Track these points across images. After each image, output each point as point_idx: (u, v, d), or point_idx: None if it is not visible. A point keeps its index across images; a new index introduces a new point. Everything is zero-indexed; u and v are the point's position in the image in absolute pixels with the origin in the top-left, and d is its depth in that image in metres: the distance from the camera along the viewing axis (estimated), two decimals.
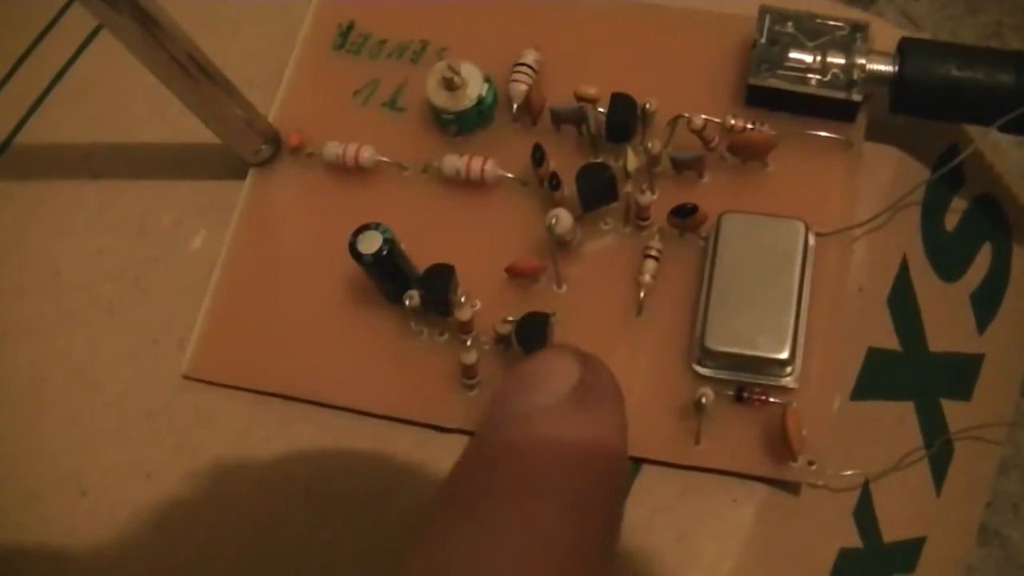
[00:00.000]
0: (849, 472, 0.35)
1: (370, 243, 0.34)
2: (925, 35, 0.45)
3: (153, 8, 0.34)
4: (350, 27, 0.42)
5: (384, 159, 0.39)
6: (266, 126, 0.40)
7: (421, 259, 0.36)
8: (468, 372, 0.35)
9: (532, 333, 0.34)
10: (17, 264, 0.42)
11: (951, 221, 0.41)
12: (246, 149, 0.39)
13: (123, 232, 0.41)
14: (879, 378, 0.37)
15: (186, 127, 0.39)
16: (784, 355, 0.34)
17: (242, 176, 0.40)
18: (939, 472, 0.39)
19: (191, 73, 0.36)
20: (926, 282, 0.39)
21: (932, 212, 0.40)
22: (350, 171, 0.39)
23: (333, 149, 0.39)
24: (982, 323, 0.41)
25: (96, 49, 0.45)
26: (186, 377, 0.38)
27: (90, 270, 0.41)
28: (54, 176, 0.43)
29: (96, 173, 0.43)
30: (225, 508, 0.37)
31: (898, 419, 0.38)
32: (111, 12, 0.33)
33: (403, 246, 0.36)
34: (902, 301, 0.38)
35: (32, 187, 0.43)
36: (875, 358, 0.37)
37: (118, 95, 0.44)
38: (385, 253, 0.34)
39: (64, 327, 0.40)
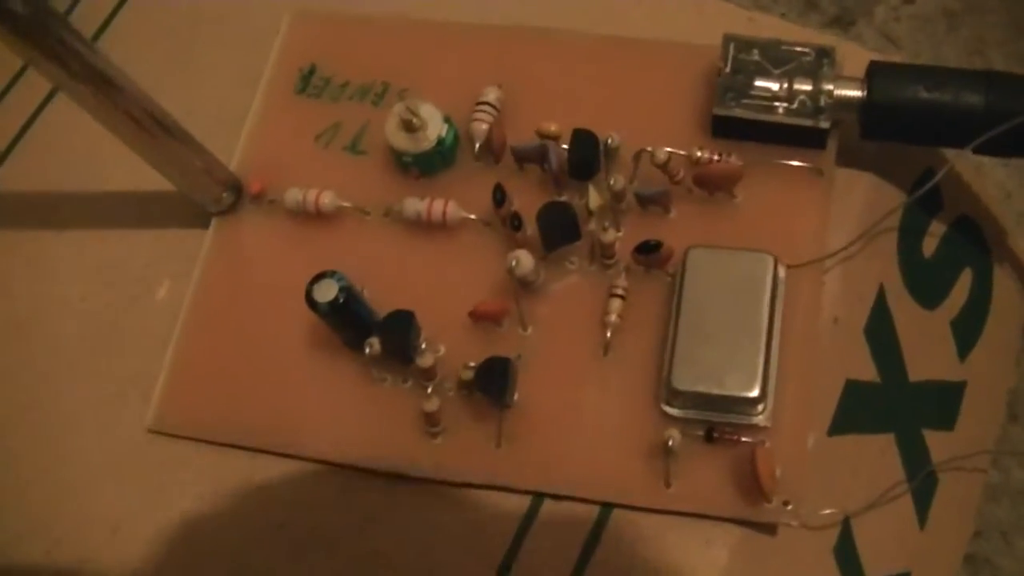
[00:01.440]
0: (828, 511, 0.34)
1: (325, 291, 0.34)
2: (906, 56, 0.45)
3: (106, 68, 0.34)
4: (312, 71, 0.42)
5: (346, 204, 0.38)
6: (227, 175, 0.39)
7: (384, 304, 0.35)
8: (431, 420, 0.34)
9: (492, 379, 0.33)
10: None
11: (929, 246, 0.40)
12: (207, 198, 0.39)
13: (89, 283, 0.41)
14: (858, 411, 0.36)
15: (150, 176, 0.38)
16: (754, 393, 0.33)
17: (205, 224, 0.40)
18: (923, 504, 0.38)
19: (147, 128, 0.36)
20: (905, 310, 0.39)
21: (909, 238, 0.39)
22: (312, 217, 0.38)
23: (294, 195, 0.38)
24: (963, 350, 0.41)
25: (61, 100, 0.45)
26: (151, 431, 0.38)
27: (56, 321, 0.41)
28: (22, 227, 0.43)
29: (63, 224, 0.42)
30: (194, 557, 0.36)
31: (879, 452, 0.37)
32: (64, 75, 0.33)
33: (365, 292, 0.35)
34: (880, 331, 0.38)
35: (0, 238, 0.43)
36: (853, 390, 0.36)
37: (84, 145, 0.43)
38: (341, 301, 0.34)
39: (30, 379, 0.40)
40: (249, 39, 0.44)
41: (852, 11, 0.52)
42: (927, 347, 0.39)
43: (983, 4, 0.52)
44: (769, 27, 0.39)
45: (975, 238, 0.41)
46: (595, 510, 0.34)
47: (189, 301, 0.39)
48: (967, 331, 0.41)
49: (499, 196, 0.35)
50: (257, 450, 0.37)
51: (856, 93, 0.36)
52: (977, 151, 0.35)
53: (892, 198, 0.38)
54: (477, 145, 0.38)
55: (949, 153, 0.38)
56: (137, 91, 0.35)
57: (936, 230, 0.40)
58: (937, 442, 0.39)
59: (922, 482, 0.38)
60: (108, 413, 0.38)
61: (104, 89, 0.34)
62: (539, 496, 0.34)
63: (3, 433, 0.39)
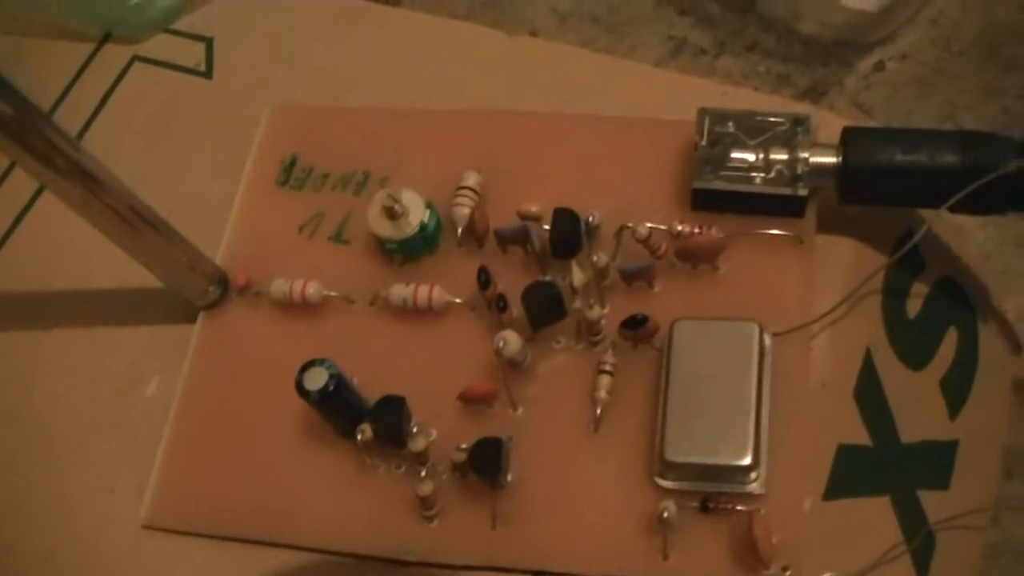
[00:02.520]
0: (827, 575, 0.34)
1: (316, 379, 0.34)
2: (879, 123, 0.45)
3: (90, 164, 0.34)
4: (293, 162, 0.42)
5: (331, 293, 0.39)
6: (212, 268, 0.39)
7: (375, 390, 0.35)
8: (426, 503, 0.34)
9: (485, 460, 0.33)
10: None
11: (914, 307, 0.40)
12: (193, 292, 0.39)
13: (78, 382, 0.41)
14: (852, 475, 0.36)
15: (136, 272, 0.39)
16: (747, 461, 0.33)
17: (192, 319, 0.40)
18: (923, 565, 0.38)
19: (132, 223, 0.36)
20: (893, 372, 0.39)
21: (893, 300, 0.39)
22: (298, 307, 0.39)
23: (280, 287, 0.39)
24: (954, 409, 0.41)
25: (48, 199, 0.45)
26: (145, 527, 0.37)
27: (47, 418, 0.41)
28: (12, 326, 0.43)
29: (53, 322, 0.43)
30: None
31: (875, 515, 0.37)
32: (50, 173, 0.34)
33: (354, 379, 0.35)
34: (869, 393, 0.38)
35: None
36: (846, 454, 0.36)
37: (71, 243, 0.44)
38: (331, 388, 0.34)
39: (22, 480, 0.40)
40: (229, 133, 0.44)
41: (824, 82, 0.52)
42: (917, 408, 0.39)
43: (952, 69, 0.52)
44: (744, 101, 0.39)
45: (958, 298, 0.41)
46: None
47: (179, 395, 0.39)
48: (956, 390, 0.41)
49: (484, 278, 0.36)
50: (254, 541, 0.36)
51: (832, 159, 0.36)
52: (954, 210, 0.35)
53: (874, 261, 0.38)
54: (460, 229, 0.38)
55: (927, 214, 0.38)
56: (121, 187, 0.35)
57: (919, 291, 0.40)
58: (933, 502, 0.39)
59: (920, 543, 0.37)
60: (101, 510, 0.38)
61: (89, 186, 0.34)
62: (538, 575, 0.34)
63: None
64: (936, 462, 0.40)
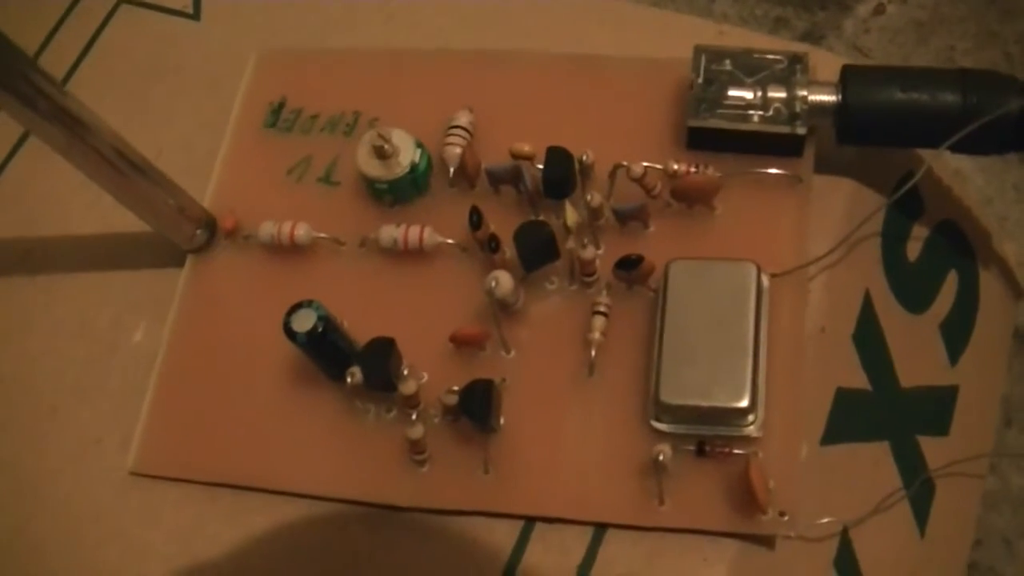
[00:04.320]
0: (825, 520, 0.34)
1: (304, 321, 0.33)
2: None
3: (76, 108, 0.34)
4: (281, 104, 0.41)
5: (321, 235, 0.38)
6: (200, 212, 0.39)
7: (364, 333, 0.35)
8: (416, 447, 0.34)
9: (476, 402, 0.33)
10: None
11: (913, 250, 0.39)
12: (181, 236, 0.38)
13: (63, 332, 0.40)
14: (850, 419, 0.36)
15: (122, 218, 0.38)
16: (743, 404, 0.32)
17: (180, 264, 0.40)
18: (921, 512, 0.38)
19: (119, 168, 0.36)
20: (892, 315, 0.38)
21: (892, 242, 0.38)
22: (287, 250, 0.38)
23: (268, 229, 0.38)
24: (954, 354, 0.40)
25: (31, 146, 0.44)
26: (133, 473, 0.37)
27: (32, 373, 0.40)
28: None
29: (35, 271, 0.42)
30: None
31: (873, 461, 0.37)
32: (35, 117, 0.33)
33: (344, 322, 0.35)
34: (868, 337, 0.37)
35: None
36: (844, 399, 0.36)
37: (54, 190, 0.43)
38: (320, 331, 0.33)
39: (8, 433, 0.39)
40: (217, 76, 0.44)
41: (822, 26, 0.52)
42: (917, 352, 0.39)
43: (952, 14, 0.52)
44: (740, 40, 0.38)
45: (958, 241, 0.41)
46: (588, 531, 0.33)
47: (167, 341, 0.38)
48: (956, 335, 0.40)
49: (475, 219, 0.35)
50: (242, 487, 0.36)
51: (831, 97, 0.35)
52: (954, 149, 0.34)
53: (873, 203, 0.37)
54: (451, 170, 0.38)
55: (927, 155, 0.37)
56: (107, 131, 0.35)
57: (919, 234, 0.40)
58: (932, 448, 0.38)
59: (919, 489, 0.37)
60: (89, 459, 0.38)
61: (75, 130, 0.34)
62: (530, 520, 0.34)
63: None
64: (936, 407, 0.40)
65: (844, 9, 0.52)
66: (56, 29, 0.48)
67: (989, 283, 0.42)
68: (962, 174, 0.44)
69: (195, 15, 0.46)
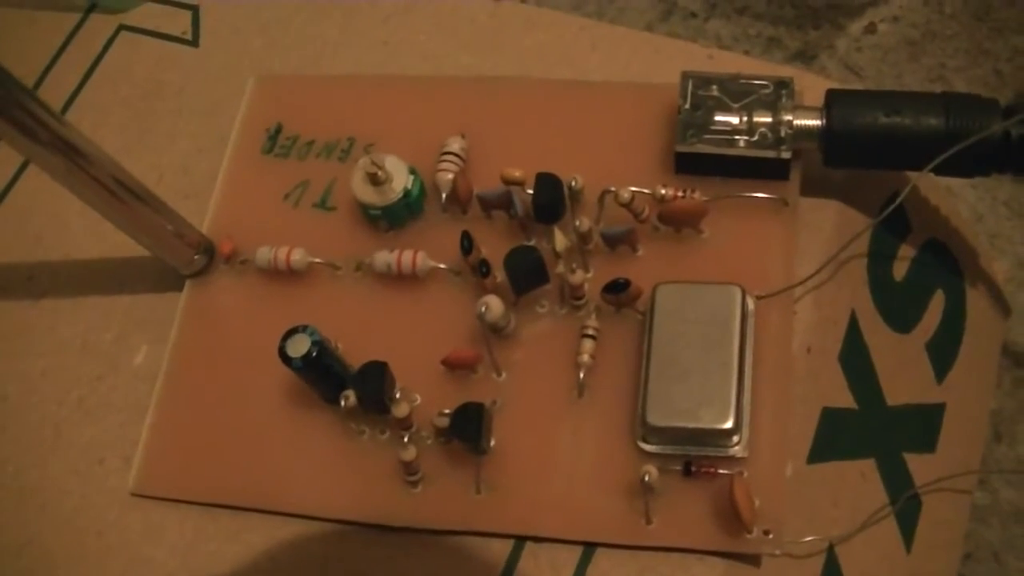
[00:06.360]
0: (810, 538, 0.34)
1: (298, 346, 0.34)
2: (869, 86, 0.45)
3: (75, 138, 0.34)
4: (278, 130, 0.42)
5: (316, 260, 0.39)
6: (198, 237, 0.39)
7: (359, 357, 0.35)
8: (409, 469, 0.34)
9: (467, 424, 0.33)
10: None
11: (900, 270, 0.40)
12: (180, 261, 0.39)
13: (66, 352, 0.41)
14: (836, 438, 0.37)
15: (123, 242, 0.39)
16: (728, 425, 0.33)
17: (179, 287, 0.40)
18: (908, 528, 0.38)
19: (118, 195, 0.36)
20: (878, 335, 0.39)
21: (879, 262, 0.39)
22: (283, 274, 0.39)
23: (265, 254, 0.39)
24: (940, 372, 0.41)
25: (34, 171, 0.45)
26: (133, 494, 0.38)
27: (36, 392, 0.41)
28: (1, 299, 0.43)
29: (39, 294, 0.43)
30: None
31: (860, 478, 0.37)
32: (35, 147, 0.34)
33: (340, 345, 0.36)
34: (854, 357, 0.38)
35: None
36: (830, 418, 0.37)
37: (57, 214, 0.44)
38: (314, 355, 0.34)
39: (13, 451, 0.40)
40: (215, 102, 0.44)
41: (815, 45, 0.52)
42: (903, 371, 0.39)
43: (943, 31, 0.52)
44: (729, 64, 0.39)
45: (945, 260, 0.42)
46: (578, 551, 0.34)
47: (166, 363, 0.39)
48: (943, 353, 0.41)
49: (466, 244, 0.36)
50: (240, 508, 0.37)
51: (815, 122, 0.36)
52: (939, 172, 0.35)
53: (859, 225, 0.38)
54: (444, 195, 0.38)
55: (913, 175, 0.38)
56: (106, 159, 0.36)
57: (905, 254, 0.40)
58: (919, 465, 0.39)
59: (906, 505, 0.38)
60: (92, 478, 0.39)
61: (74, 158, 0.35)
62: (521, 540, 0.34)
63: None
64: (922, 425, 0.40)
65: (836, 28, 0.52)
66: (58, 55, 0.48)
67: (976, 301, 0.43)
68: (953, 191, 0.44)
69: (194, 41, 0.47)
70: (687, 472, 0.33)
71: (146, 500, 0.38)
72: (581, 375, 0.35)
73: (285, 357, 0.34)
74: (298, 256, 0.38)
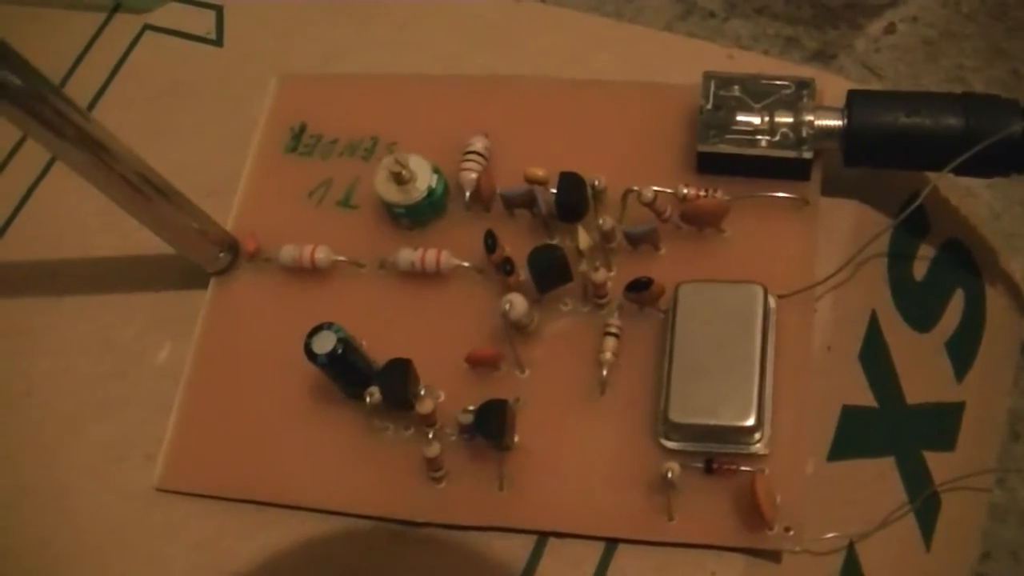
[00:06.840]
0: (830, 535, 0.35)
1: (324, 343, 0.34)
2: (887, 86, 0.45)
3: (101, 135, 0.35)
4: (302, 129, 0.42)
5: (340, 258, 0.39)
6: (223, 235, 0.40)
7: (383, 354, 0.36)
8: (433, 465, 0.35)
9: (491, 421, 0.34)
10: None
11: (919, 269, 0.40)
12: (204, 259, 0.40)
13: (90, 349, 0.42)
14: (856, 436, 0.37)
15: (148, 240, 0.39)
16: (749, 422, 0.33)
17: (204, 285, 0.41)
18: (927, 526, 0.38)
19: (143, 192, 0.37)
20: (898, 334, 0.39)
21: (898, 262, 0.39)
22: (307, 272, 0.39)
23: (289, 252, 0.39)
24: (960, 371, 0.41)
25: (58, 169, 0.46)
26: (159, 489, 0.38)
27: (59, 389, 0.41)
28: (24, 296, 0.43)
29: (64, 291, 0.43)
30: None
31: (879, 476, 0.37)
32: (61, 144, 0.34)
33: (363, 343, 0.36)
34: (874, 356, 0.38)
35: (2, 308, 0.43)
36: (850, 416, 0.37)
37: (82, 213, 0.44)
38: (339, 352, 0.34)
39: (36, 448, 0.40)
40: (239, 101, 0.45)
41: (833, 45, 0.52)
42: (923, 370, 0.40)
43: (961, 31, 0.52)
44: (749, 64, 0.39)
45: (965, 260, 0.42)
46: (600, 546, 0.34)
47: (191, 361, 0.39)
48: (962, 352, 0.41)
49: (490, 242, 0.36)
50: (264, 503, 0.37)
51: (836, 122, 0.36)
52: (958, 172, 0.35)
53: (879, 224, 0.38)
54: (467, 194, 0.39)
55: (931, 176, 0.38)
56: (132, 156, 0.36)
57: (925, 253, 0.40)
58: (938, 463, 0.39)
59: (925, 503, 0.38)
60: (113, 475, 0.39)
61: (100, 155, 0.35)
62: (543, 536, 0.35)
63: (11, 499, 0.40)
64: (942, 423, 0.40)
65: (855, 28, 0.52)
66: (84, 54, 0.49)
67: (996, 300, 0.43)
68: (972, 191, 0.44)
69: (218, 41, 0.47)
70: (708, 469, 0.34)
71: (166, 496, 0.38)
72: (604, 373, 0.35)
73: (311, 354, 0.34)
74: (322, 254, 0.39)
